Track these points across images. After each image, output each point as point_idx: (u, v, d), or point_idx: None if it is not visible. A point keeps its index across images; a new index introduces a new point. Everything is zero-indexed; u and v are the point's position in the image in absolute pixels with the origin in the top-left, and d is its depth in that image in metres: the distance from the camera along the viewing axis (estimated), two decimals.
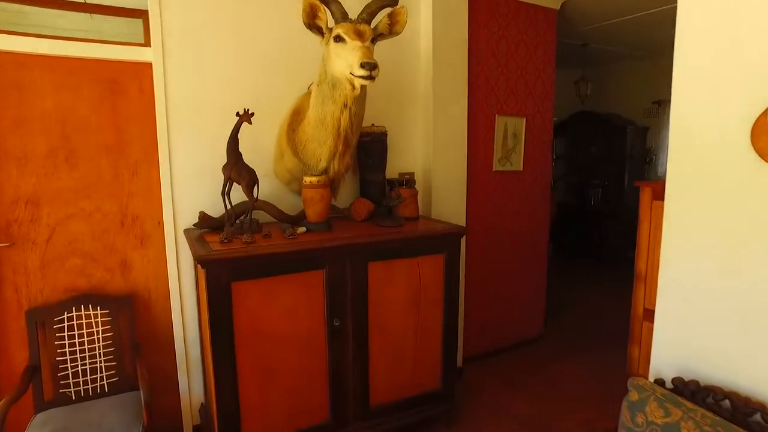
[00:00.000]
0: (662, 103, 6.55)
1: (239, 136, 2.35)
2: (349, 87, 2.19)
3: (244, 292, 2.09)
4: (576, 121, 7.16)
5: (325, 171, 2.50)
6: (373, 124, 2.91)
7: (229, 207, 2.39)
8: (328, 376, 2.38)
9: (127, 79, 2.42)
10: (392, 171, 3.22)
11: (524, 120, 3.84)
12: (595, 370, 3.74)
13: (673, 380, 1.76)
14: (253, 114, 2.32)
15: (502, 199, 3.83)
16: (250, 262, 2.08)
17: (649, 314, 2.48)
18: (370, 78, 2.05)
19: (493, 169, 3.74)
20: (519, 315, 4.12)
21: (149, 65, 2.44)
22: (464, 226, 3.25)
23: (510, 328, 4.08)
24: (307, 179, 2.43)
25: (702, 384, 1.69)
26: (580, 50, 5.71)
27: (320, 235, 2.40)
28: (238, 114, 2.31)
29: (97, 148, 2.38)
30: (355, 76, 2.08)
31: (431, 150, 3.26)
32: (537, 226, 4.11)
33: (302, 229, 2.44)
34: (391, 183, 3.00)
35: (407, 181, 2.97)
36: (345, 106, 2.27)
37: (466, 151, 3.41)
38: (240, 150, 2.37)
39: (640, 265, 2.50)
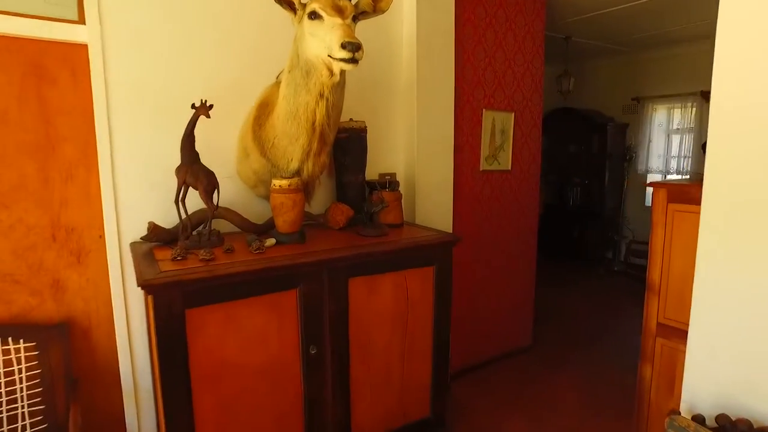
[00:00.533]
0: (641, 99, 6.42)
1: (196, 133, 1.98)
2: (326, 73, 1.84)
3: (201, 320, 1.72)
4: (556, 117, 6.97)
5: (298, 173, 2.15)
6: (351, 119, 2.57)
7: (184, 216, 2.01)
8: (304, 413, 2.03)
9: (56, 64, 2.01)
10: (372, 171, 2.89)
11: (512, 115, 3.56)
12: (592, 383, 3.49)
13: (718, 418, 1.49)
14: (212, 106, 1.95)
15: (489, 201, 3.54)
16: (209, 284, 1.72)
17: (665, 330, 2.22)
18: (353, 61, 1.71)
19: (480, 169, 3.45)
20: (508, 324, 3.85)
21: (84, 47, 2.03)
22: (456, 234, 2.95)
23: (498, 339, 3.80)
24: (277, 182, 2.07)
25: (755, 425, 1.42)
26: (563, 44, 5.49)
27: (292, 248, 2.05)
28: (194, 106, 1.94)
29: (18, 146, 1.96)
30: (334, 59, 1.74)
31: (415, 148, 2.93)
32: (526, 229, 3.84)
33: (271, 241, 2.08)
34: (372, 185, 2.67)
35: (390, 183, 2.64)
36: (321, 96, 1.92)
37: (452, 149, 3.10)
38: (197, 149, 2.00)
39: (653, 275, 2.24)
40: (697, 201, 1.96)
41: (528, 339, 4.06)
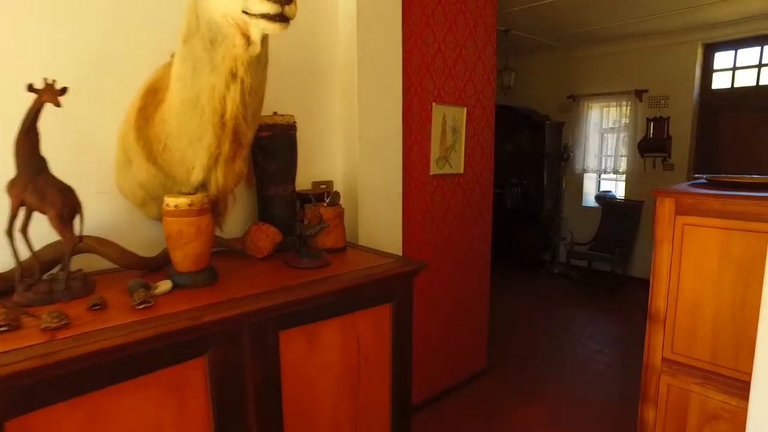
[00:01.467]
0: (576, 97, 6.27)
1: (49, 129, 1.30)
2: (240, 41, 1.24)
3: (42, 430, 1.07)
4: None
5: (203, 186, 1.53)
6: (275, 113, 1.98)
7: (25, 254, 1.33)
8: None
9: None
10: (304, 180, 2.31)
11: (464, 110, 3.11)
12: (559, 412, 3.12)
13: None
14: (64, 90, 1.29)
15: (441, 210, 3.07)
16: (55, 374, 1.07)
17: (672, 367, 1.84)
18: (282, 19, 1.13)
19: (431, 173, 2.96)
20: (462, 348, 3.41)
21: None
22: (422, 260, 2.42)
23: (452, 366, 3.35)
24: (172, 201, 1.44)
25: None
26: (502, 37, 5.16)
27: (197, 295, 1.43)
28: (33, 89, 1.27)
29: None
30: (252, 15, 1.14)
31: (357, 149, 2.38)
32: (480, 240, 3.42)
33: (165, 285, 1.44)
34: (306, 198, 2.09)
35: (330, 195, 2.07)
36: (233, 76, 1.32)
37: (401, 151, 2.58)
38: (44, 154, 1.33)
39: (657, 301, 1.85)
40: (715, 213, 1.58)
41: (483, 359, 3.64)
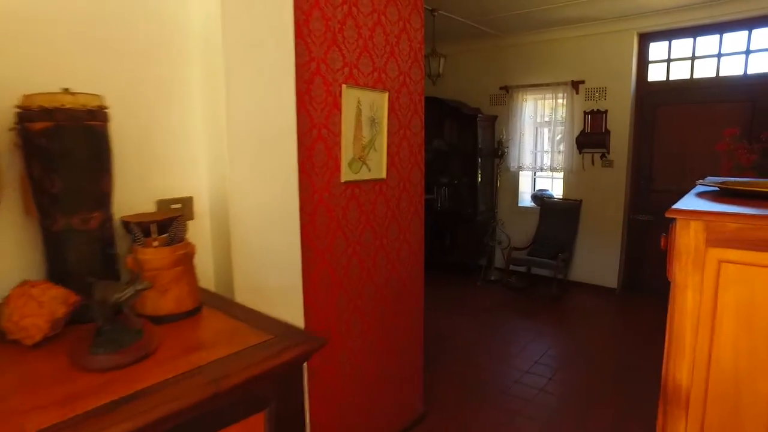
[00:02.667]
0: (510, 89, 5.77)
1: None
2: None
3: None
4: None
5: None
6: (66, 89, 1.15)
7: None
8: None
9: None
10: (144, 198, 1.48)
11: (386, 96, 2.39)
12: None
13: None
14: None
15: (357, 228, 2.33)
16: None
17: None
18: None
19: (342, 180, 2.22)
20: (395, 399, 2.70)
21: None
22: (322, 338, 1.64)
23: (383, 422, 2.63)
24: None
25: None
26: (429, 18, 4.51)
27: None
28: None
29: None
30: None
31: (225, 151, 1.58)
32: (410, 260, 2.72)
33: None
34: (129, 229, 1.28)
35: (169, 225, 1.27)
36: None
37: (296, 152, 1.80)
38: None
39: (677, 374, 1.23)
40: None
41: (419, 403, 2.96)
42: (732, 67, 4.72)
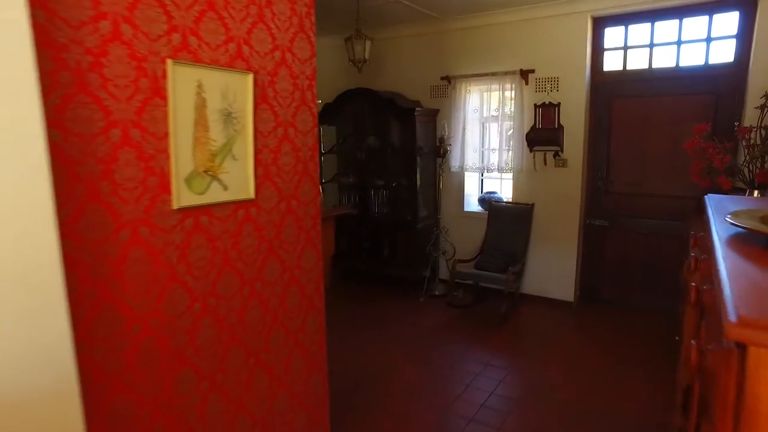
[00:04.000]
0: (452, 79, 5.11)
1: None
2: None
3: None
4: (349, 101, 5.31)
5: None
6: None
7: None
8: None
9: None
10: None
11: (250, 79, 1.63)
12: None
13: None
14: None
15: (211, 272, 1.57)
16: None
17: None
18: None
19: (175, 206, 1.45)
20: None
21: None
22: None
23: None
24: None
25: None
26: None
27: None
28: None
29: None
30: None
31: None
32: (303, 305, 1.98)
33: None
34: None
35: None
36: None
37: (47, 171, 1.01)
38: None
39: None
40: None
41: None
42: (693, 57, 4.22)
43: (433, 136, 5.28)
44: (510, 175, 5.05)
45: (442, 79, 5.18)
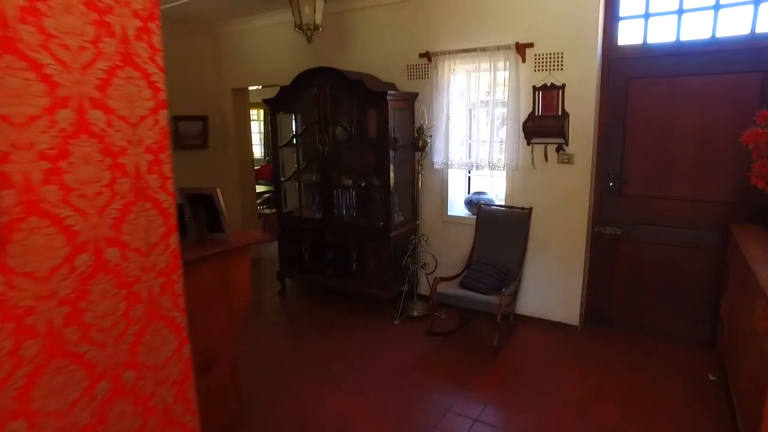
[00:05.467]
0: (433, 56, 4.20)
1: None
2: None
3: None
4: (309, 84, 4.38)
5: None
6: None
7: None
8: None
9: None
10: None
11: None
12: None
13: None
14: None
15: None
16: None
17: None
18: None
19: None
20: None
21: None
22: None
23: None
24: None
25: None
26: None
27: None
28: None
29: None
30: None
31: None
32: None
33: None
34: None
35: None
36: None
37: None
38: None
39: None
40: None
41: None
42: (734, 24, 3.37)
43: (410, 126, 4.38)
44: (503, 173, 4.17)
45: (422, 56, 4.28)
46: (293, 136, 4.77)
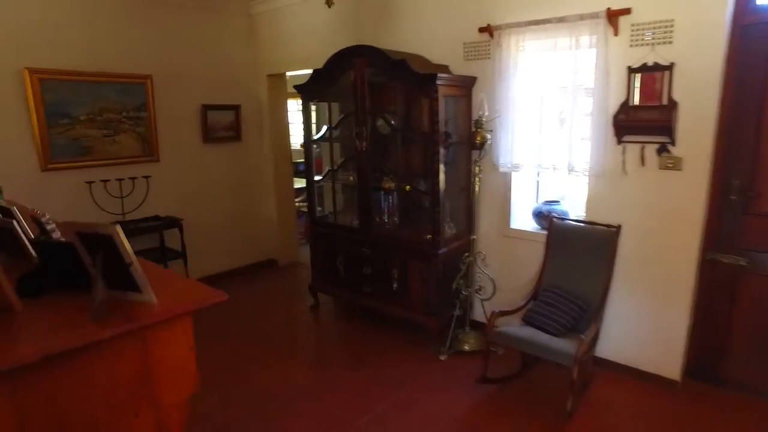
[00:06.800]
0: (497, 31, 3.36)
1: None
2: None
3: None
4: (345, 66, 3.66)
5: None
6: None
7: None
8: None
9: None
10: None
11: None
12: None
13: None
14: None
15: None
16: None
17: None
18: None
19: None
20: None
21: None
22: None
23: None
24: None
25: None
26: None
27: None
28: None
29: None
30: None
31: None
32: None
33: None
34: None
35: None
36: None
37: None
38: None
39: None
40: None
41: None
42: None
43: (466, 118, 3.58)
44: (585, 180, 3.29)
45: (482, 31, 3.44)
46: (327, 129, 4.08)
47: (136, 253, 1.47)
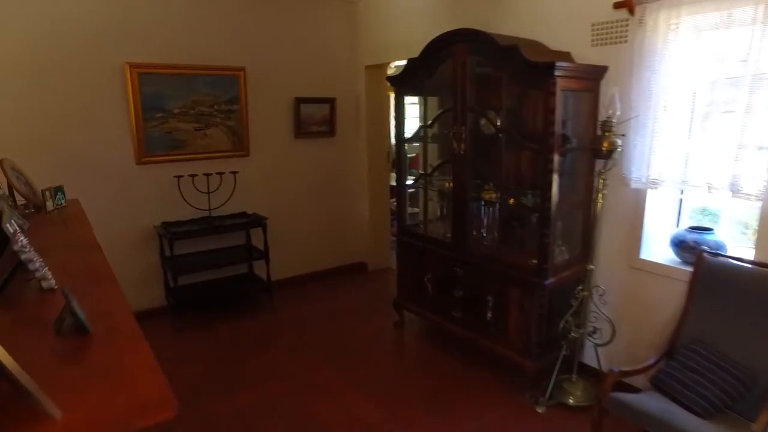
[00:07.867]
0: (640, 4, 2.61)
1: None
2: None
3: None
4: (444, 54, 3.12)
5: None
6: None
7: None
8: None
9: None
10: None
11: None
12: None
13: None
14: None
15: None
16: None
17: None
18: None
19: None
20: None
21: None
22: None
23: None
24: None
25: None
26: None
27: None
28: None
29: None
30: None
31: None
32: None
33: None
34: None
35: None
36: None
37: None
38: None
39: None
40: None
41: None
42: None
43: (590, 118, 2.88)
44: (754, 202, 2.44)
45: (618, 6, 2.72)
46: (421, 127, 3.59)
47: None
